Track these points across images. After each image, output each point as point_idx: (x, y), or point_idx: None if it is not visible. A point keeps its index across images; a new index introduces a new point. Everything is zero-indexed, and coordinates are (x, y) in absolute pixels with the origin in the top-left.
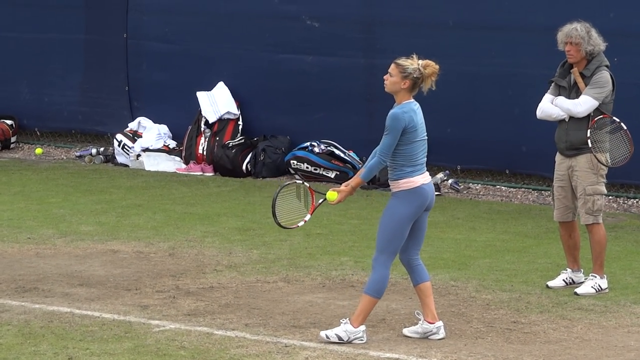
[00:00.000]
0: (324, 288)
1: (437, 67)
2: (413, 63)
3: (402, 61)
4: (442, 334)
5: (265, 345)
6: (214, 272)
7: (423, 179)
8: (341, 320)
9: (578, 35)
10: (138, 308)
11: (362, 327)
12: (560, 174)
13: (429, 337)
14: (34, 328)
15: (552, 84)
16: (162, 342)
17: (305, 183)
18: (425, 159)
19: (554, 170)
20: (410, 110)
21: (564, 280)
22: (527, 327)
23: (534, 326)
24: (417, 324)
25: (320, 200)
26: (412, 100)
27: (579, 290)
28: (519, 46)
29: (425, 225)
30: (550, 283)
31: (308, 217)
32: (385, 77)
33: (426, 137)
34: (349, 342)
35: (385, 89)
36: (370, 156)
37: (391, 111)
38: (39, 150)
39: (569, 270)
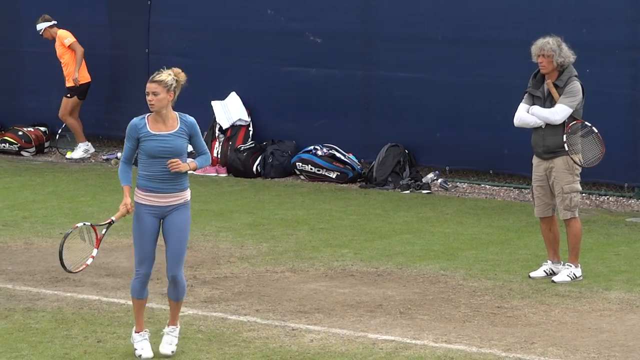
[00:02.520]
0: (327, 277)
1: (184, 74)
2: (168, 75)
3: (160, 77)
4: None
5: (274, 328)
6: (228, 263)
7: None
8: None
9: (550, 48)
10: (159, 296)
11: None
12: (539, 175)
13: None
14: (66, 314)
15: (527, 94)
16: (181, 327)
17: (85, 223)
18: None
19: (531, 171)
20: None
21: (544, 271)
22: (510, 312)
23: (516, 310)
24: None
25: (104, 231)
26: None
27: (556, 278)
28: (501, 59)
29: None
30: (533, 274)
31: (95, 251)
32: (149, 98)
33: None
34: None
35: (153, 109)
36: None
37: (191, 119)
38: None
39: (549, 262)
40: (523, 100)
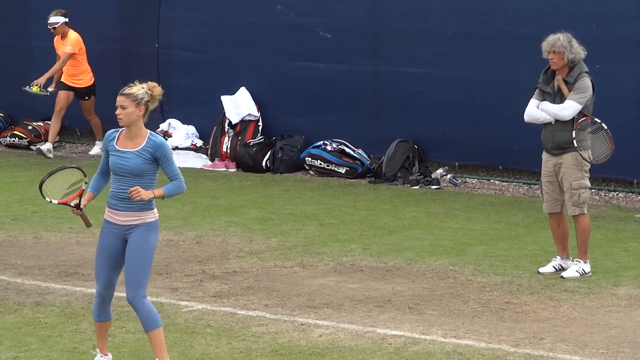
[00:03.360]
0: (336, 272)
1: (160, 88)
2: (140, 89)
3: (130, 90)
4: None
5: (283, 323)
6: (237, 258)
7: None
8: None
9: (561, 45)
10: (169, 290)
11: None
12: (548, 171)
13: None
14: (75, 308)
15: (537, 90)
16: (190, 321)
17: (84, 182)
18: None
19: (541, 167)
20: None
21: (553, 266)
22: (519, 307)
23: (525, 306)
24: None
25: (72, 204)
26: None
27: (565, 274)
28: (511, 54)
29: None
30: (542, 269)
31: (55, 202)
32: (117, 112)
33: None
34: None
35: (121, 124)
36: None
37: (160, 140)
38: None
39: (558, 257)
40: (534, 96)
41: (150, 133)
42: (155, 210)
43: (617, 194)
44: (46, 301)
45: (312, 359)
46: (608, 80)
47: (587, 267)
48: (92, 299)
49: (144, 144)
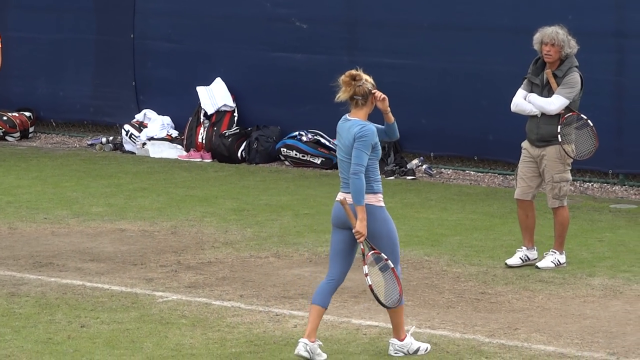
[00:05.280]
0: (311, 263)
1: (348, 74)
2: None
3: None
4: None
5: (258, 314)
6: (212, 249)
7: (338, 195)
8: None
9: (561, 39)
10: (143, 281)
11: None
12: (529, 157)
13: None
14: (50, 299)
15: (526, 80)
16: (165, 312)
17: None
18: (340, 176)
19: (520, 153)
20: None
21: (520, 258)
22: (494, 297)
23: (500, 296)
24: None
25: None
26: (351, 117)
27: (540, 264)
28: (486, 45)
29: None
30: (509, 262)
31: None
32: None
33: (339, 156)
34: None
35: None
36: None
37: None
38: None
39: (524, 248)
40: (522, 86)
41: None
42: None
43: (592, 185)
44: (21, 292)
45: (287, 350)
46: (584, 71)
47: (562, 258)
48: (66, 289)
49: None
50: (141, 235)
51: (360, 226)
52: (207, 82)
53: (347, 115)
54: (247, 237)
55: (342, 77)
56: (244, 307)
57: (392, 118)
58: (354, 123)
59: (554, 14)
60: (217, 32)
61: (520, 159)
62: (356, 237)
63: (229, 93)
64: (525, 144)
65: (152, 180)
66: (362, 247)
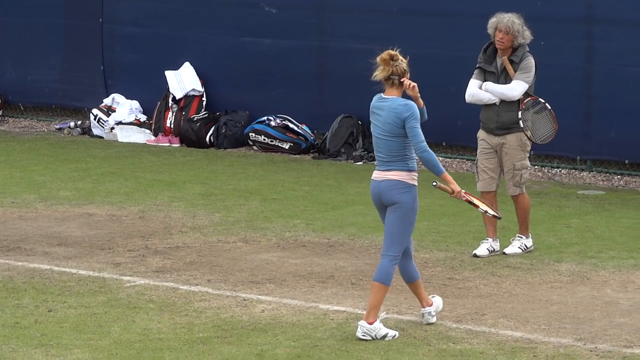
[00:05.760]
0: (279, 248)
1: (386, 54)
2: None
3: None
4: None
5: (225, 299)
6: (180, 233)
7: (374, 174)
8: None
9: (516, 29)
10: (111, 265)
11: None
12: (487, 149)
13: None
14: (17, 283)
15: (478, 70)
16: (132, 296)
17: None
18: (377, 154)
19: (477, 146)
20: (373, 102)
21: (487, 249)
22: (461, 283)
23: (467, 282)
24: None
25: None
26: (388, 96)
27: (507, 250)
28: (455, 31)
29: (388, 224)
30: (477, 252)
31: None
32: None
33: (377, 135)
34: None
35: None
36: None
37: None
38: None
39: (490, 239)
40: (474, 76)
41: None
42: None
43: (560, 171)
44: None
45: (254, 335)
46: (553, 57)
47: (529, 242)
48: (34, 273)
49: None
50: (109, 219)
51: (454, 186)
52: (176, 67)
53: (381, 94)
54: (215, 221)
55: (382, 56)
56: (211, 291)
57: (422, 103)
58: (395, 101)
59: (524, 0)
60: (186, 16)
61: (478, 151)
62: (459, 197)
63: (197, 78)
64: (482, 134)
65: (120, 165)
66: (468, 198)
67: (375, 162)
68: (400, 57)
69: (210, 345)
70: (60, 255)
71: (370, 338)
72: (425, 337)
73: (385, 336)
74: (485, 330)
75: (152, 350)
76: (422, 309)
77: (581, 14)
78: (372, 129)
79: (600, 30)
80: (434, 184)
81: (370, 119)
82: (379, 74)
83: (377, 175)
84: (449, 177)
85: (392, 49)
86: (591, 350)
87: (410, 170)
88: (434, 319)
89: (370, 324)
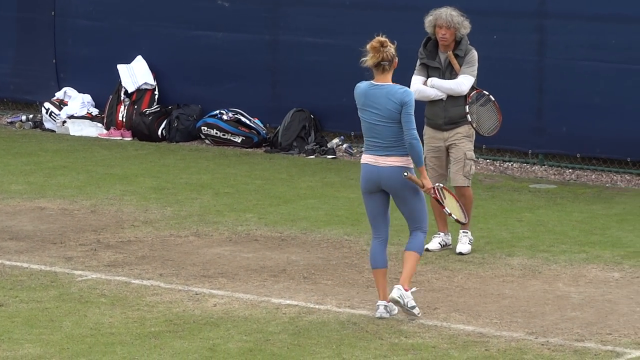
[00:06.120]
0: (231, 242)
1: (376, 41)
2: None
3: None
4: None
5: (177, 293)
6: (132, 227)
7: (367, 158)
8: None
9: (456, 22)
10: (63, 259)
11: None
12: (436, 146)
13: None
14: None
15: (420, 66)
16: (84, 290)
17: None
18: (372, 140)
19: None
20: (361, 88)
21: (439, 243)
22: (413, 277)
23: (419, 276)
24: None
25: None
26: (380, 82)
27: (462, 249)
28: (407, 24)
29: (405, 205)
30: (429, 246)
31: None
32: None
33: (373, 121)
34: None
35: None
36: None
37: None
38: None
39: (441, 234)
40: (416, 72)
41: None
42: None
43: (512, 165)
44: None
45: (206, 329)
46: (505, 50)
47: (471, 235)
48: None
49: None
50: (61, 213)
51: (426, 181)
52: (128, 60)
53: (371, 81)
54: (167, 215)
55: (372, 44)
56: (163, 286)
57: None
58: (392, 87)
59: None
60: (139, 10)
61: (426, 149)
62: (428, 192)
63: (149, 71)
64: (429, 132)
65: (72, 159)
66: (437, 195)
67: (367, 147)
68: (389, 43)
69: (162, 339)
70: (12, 250)
71: (402, 303)
72: (378, 331)
73: (413, 307)
74: (438, 324)
75: (103, 345)
76: (380, 302)
77: (533, 7)
78: (365, 116)
79: (552, 24)
80: (405, 174)
81: (361, 106)
82: (369, 61)
83: (373, 159)
84: (425, 172)
85: (379, 36)
86: (543, 344)
87: (407, 154)
88: (387, 315)
89: (406, 290)
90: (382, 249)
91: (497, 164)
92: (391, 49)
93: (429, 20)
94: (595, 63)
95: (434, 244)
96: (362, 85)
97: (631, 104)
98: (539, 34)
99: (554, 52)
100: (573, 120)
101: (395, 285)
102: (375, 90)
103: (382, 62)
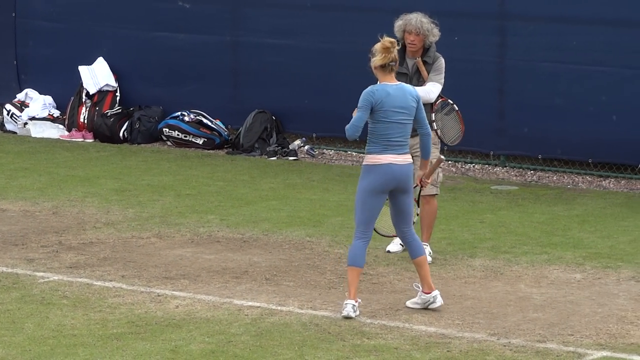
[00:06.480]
0: (193, 243)
1: (387, 41)
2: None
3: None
4: (439, 301)
5: (139, 294)
6: (94, 229)
7: (392, 158)
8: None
9: (426, 29)
10: (24, 261)
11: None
12: None
13: (429, 307)
14: None
15: None
16: (46, 292)
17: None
18: (398, 139)
19: None
20: (382, 90)
21: (400, 244)
22: (375, 278)
23: (381, 277)
24: (416, 295)
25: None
26: (391, 82)
27: (392, 248)
28: (369, 25)
29: (405, 205)
30: (390, 248)
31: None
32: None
33: (402, 121)
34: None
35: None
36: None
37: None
38: None
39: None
40: None
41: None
42: (370, 156)
43: (473, 166)
44: None
45: (168, 330)
46: (466, 52)
47: (430, 249)
48: None
49: None
50: (22, 215)
51: (427, 174)
52: (90, 62)
53: (385, 83)
54: (129, 217)
55: (384, 44)
56: (125, 287)
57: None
58: (406, 86)
59: None
60: (100, 11)
61: None
62: (424, 184)
63: (111, 73)
64: None
65: (33, 160)
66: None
67: (387, 147)
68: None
69: (124, 341)
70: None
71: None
72: (340, 333)
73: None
74: (400, 325)
75: (65, 347)
76: (349, 300)
77: (494, 9)
78: (391, 117)
79: (513, 25)
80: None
81: (388, 108)
82: (379, 61)
83: (399, 158)
84: (427, 164)
85: (382, 36)
86: (505, 345)
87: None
88: (353, 314)
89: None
90: (365, 249)
91: (459, 166)
92: (395, 49)
93: (398, 25)
94: (556, 64)
95: (394, 245)
96: (379, 88)
97: (592, 105)
98: (500, 35)
99: (515, 53)
100: (534, 121)
101: (346, 302)
102: (398, 91)
103: (390, 63)
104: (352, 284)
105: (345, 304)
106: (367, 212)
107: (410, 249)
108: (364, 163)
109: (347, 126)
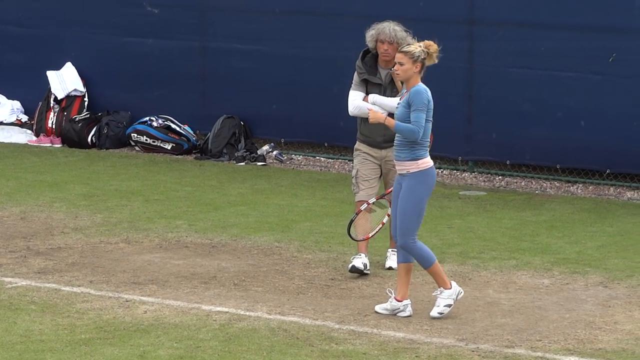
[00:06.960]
0: (161, 248)
1: (436, 46)
2: (417, 47)
3: (408, 48)
4: (408, 311)
5: (108, 300)
6: (62, 234)
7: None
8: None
9: (400, 37)
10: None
11: (456, 289)
12: (373, 160)
13: (397, 315)
14: None
15: (360, 81)
16: (14, 297)
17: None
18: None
19: (355, 157)
20: (427, 91)
21: (362, 263)
22: (344, 284)
23: (350, 283)
24: (386, 300)
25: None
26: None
27: (392, 265)
28: (338, 31)
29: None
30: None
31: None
32: (395, 67)
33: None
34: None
35: (399, 79)
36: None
37: (415, 88)
38: None
39: (362, 255)
40: (354, 87)
41: (418, 84)
42: (422, 161)
43: (442, 171)
44: None
45: (136, 336)
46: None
47: None
48: None
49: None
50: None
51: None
52: (58, 67)
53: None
54: (97, 222)
55: (434, 46)
56: (93, 292)
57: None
58: None
59: (406, 0)
60: (68, 16)
61: (358, 161)
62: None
63: (79, 78)
64: (364, 148)
65: (1, 165)
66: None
67: (427, 149)
68: None
69: (93, 346)
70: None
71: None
72: (308, 338)
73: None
74: (368, 330)
75: (33, 352)
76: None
77: (463, 15)
78: (430, 117)
79: (481, 31)
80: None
81: (430, 107)
82: (432, 61)
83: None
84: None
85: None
86: (473, 351)
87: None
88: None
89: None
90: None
91: None
92: None
93: (370, 34)
94: (524, 70)
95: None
96: (426, 87)
97: (560, 110)
98: (469, 41)
99: (483, 59)
100: (502, 127)
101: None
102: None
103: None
104: (441, 274)
105: (452, 291)
106: (421, 218)
107: (401, 254)
108: (417, 170)
109: (412, 128)
